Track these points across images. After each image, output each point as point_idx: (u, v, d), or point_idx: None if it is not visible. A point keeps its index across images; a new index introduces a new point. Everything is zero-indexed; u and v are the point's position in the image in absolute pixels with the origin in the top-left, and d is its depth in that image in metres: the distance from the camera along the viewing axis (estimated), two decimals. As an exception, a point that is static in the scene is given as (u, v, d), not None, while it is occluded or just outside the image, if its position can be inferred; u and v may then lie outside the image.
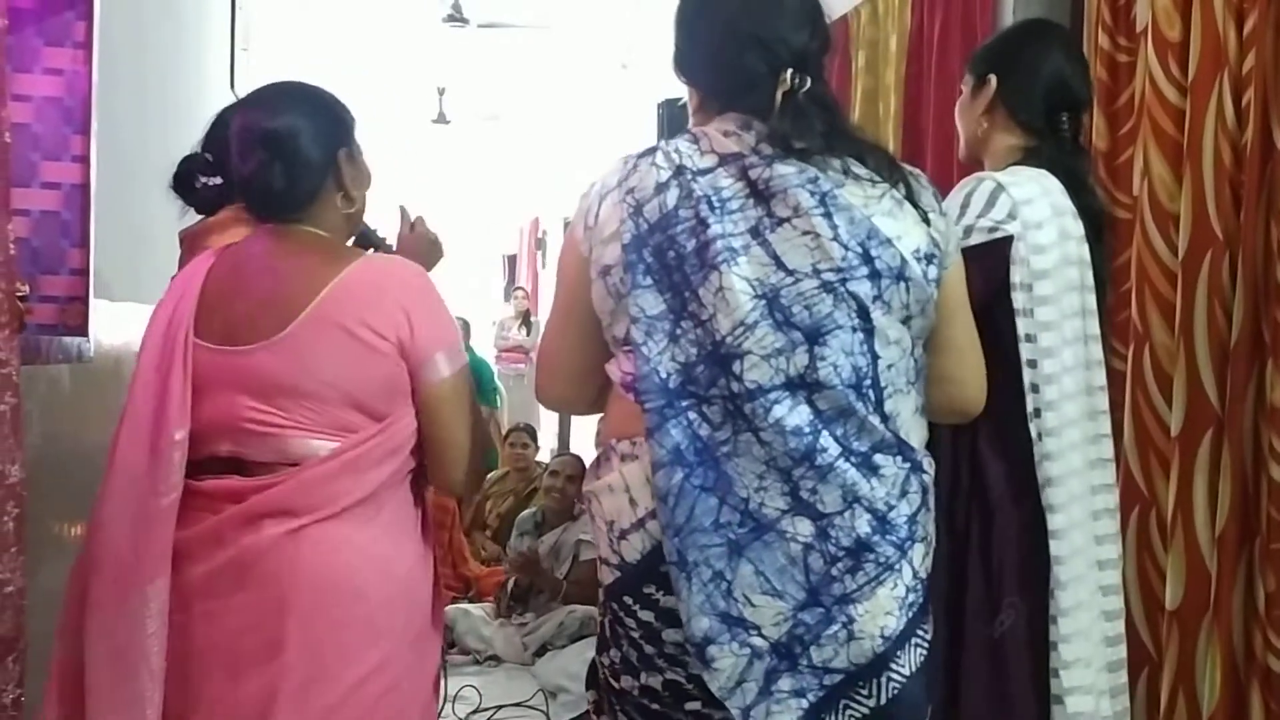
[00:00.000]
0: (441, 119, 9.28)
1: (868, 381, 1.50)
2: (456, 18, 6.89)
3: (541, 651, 4.43)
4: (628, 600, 1.55)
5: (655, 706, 1.56)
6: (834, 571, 1.48)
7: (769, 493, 1.47)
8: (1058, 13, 2.93)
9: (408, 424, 1.76)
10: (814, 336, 1.48)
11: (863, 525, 1.48)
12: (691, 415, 1.49)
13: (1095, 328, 1.96)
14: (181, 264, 2.10)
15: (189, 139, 2.26)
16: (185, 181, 2.20)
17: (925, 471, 1.56)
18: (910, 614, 1.51)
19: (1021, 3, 3.00)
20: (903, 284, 1.52)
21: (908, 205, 1.55)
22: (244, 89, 2.26)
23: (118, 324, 3.12)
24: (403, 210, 2.15)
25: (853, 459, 1.48)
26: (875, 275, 1.50)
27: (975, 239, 1.86)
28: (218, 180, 2.13)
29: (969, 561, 1.90)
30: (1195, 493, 2.35)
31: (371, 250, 2.02)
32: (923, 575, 1.54)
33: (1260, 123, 2.24)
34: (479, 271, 12.59)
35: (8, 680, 1.99)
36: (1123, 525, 2.17)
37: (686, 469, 1.47)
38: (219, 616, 1.70)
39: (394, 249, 2.09)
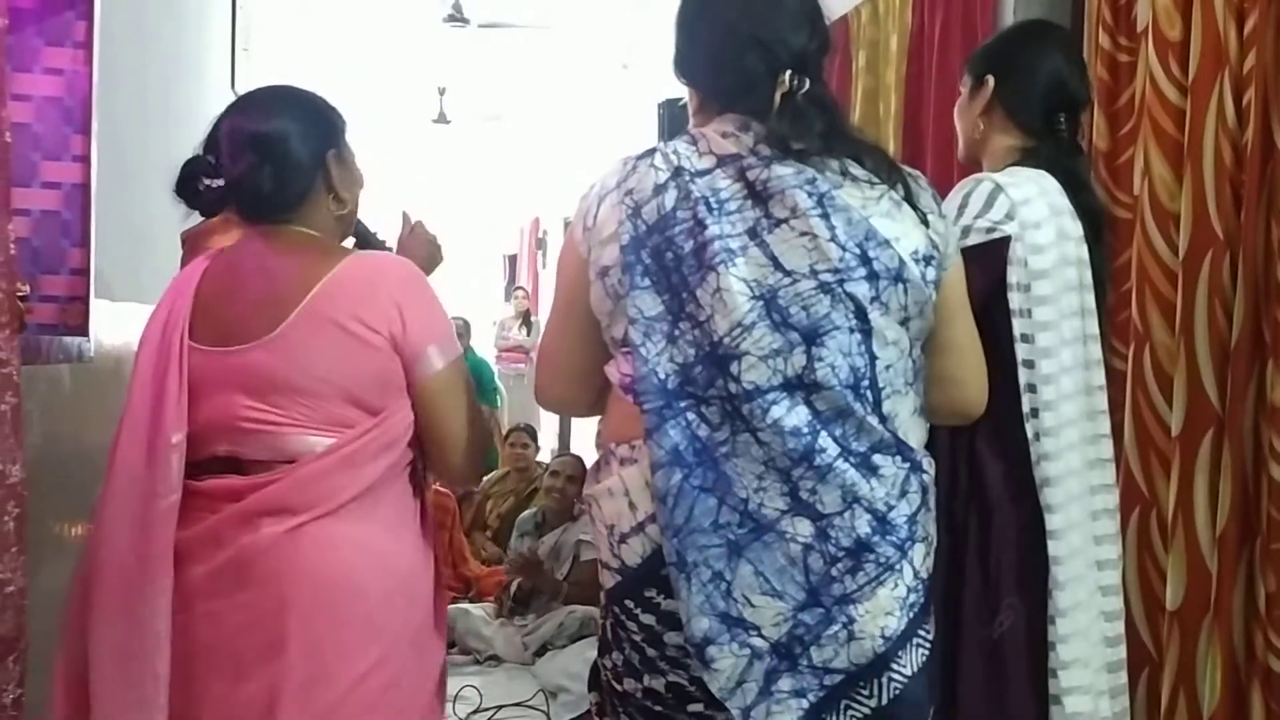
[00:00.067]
0: (442, 119, 9.27)
1: (866, 382, 1.50)
2: (457, 18, 6.89)
3: (542, 651, 4.42)
4: (629, 604, 1.55)
5: (658, 709, 1.56)
6: (834, 572, 1.47)
7: (768, 493, 1.47)
8: (1058, 13, 2.92)
9: (403, 417, 1.77)
10: (812, 337, 1.47)
11: (863, 525, 1.48)
12: (690, 416, 1.48)
13: (1094, 327, 1.95)
14: (183, 264, 2.11)
15: (189, 139, 2.25)
16: (189, 185, 2.20)
17: (925, 471, 1.56)
18: (911, 614, 1.51)
19: (1022, 3, 3.00)
20: (900, 285, 1.52)
21: (906, 207, 1.55)
22: (244, 89, 2.26)
23: (118, 324, 3.12)
24: (404, 214, 2.16)
25: (852, 459, 1.48)
26: (873, 276, 1.50)
27: (973, 239, 1.86)
28: (220, 182, 2.14)
29: (967, 562, 1.90)
30: (1196, 493, 2.35)
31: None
32: (924, 575, 1.54)
33: (1261, 122, 2.24)
34: (479, 271, 12.59)
35: (8, 680, 1.99)
36: (1123, 525, 2.17)
37: (685, 469, 1.47)
38: (220, 616, 1.70)
39: (394, 251, 2.09)
